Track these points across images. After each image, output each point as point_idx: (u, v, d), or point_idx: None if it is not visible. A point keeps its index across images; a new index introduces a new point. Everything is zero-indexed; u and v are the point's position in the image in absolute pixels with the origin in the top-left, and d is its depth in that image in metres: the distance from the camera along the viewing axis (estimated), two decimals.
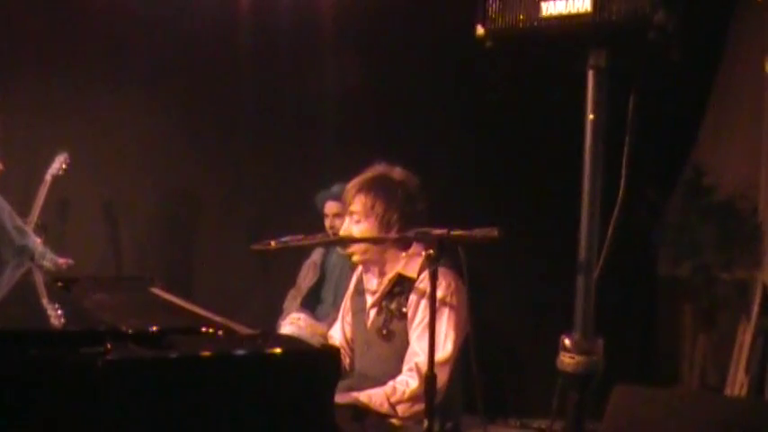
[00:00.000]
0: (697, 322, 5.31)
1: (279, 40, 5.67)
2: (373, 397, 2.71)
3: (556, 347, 1.83)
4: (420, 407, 2.63)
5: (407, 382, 2.71)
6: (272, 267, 5.73)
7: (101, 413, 1.73)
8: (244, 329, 2.18)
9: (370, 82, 5.52)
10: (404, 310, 2.82)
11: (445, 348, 2.71)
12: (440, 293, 2.64)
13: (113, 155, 5.67)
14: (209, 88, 5.70)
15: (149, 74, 5.62)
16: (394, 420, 2.73)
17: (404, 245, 2.90)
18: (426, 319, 2.63)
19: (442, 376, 2.62)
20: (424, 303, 2.75)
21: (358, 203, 2.88)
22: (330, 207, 4.68)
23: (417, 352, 2.73)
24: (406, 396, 2.69)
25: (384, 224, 2.84)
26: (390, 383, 2.73)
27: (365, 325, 2.95)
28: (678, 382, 5.36)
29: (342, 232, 2.99)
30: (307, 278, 4.85)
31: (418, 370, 2.69)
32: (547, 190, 4.94)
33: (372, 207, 2.85)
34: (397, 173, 2.93)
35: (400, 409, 2.70)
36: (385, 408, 2.70)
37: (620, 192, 1.88)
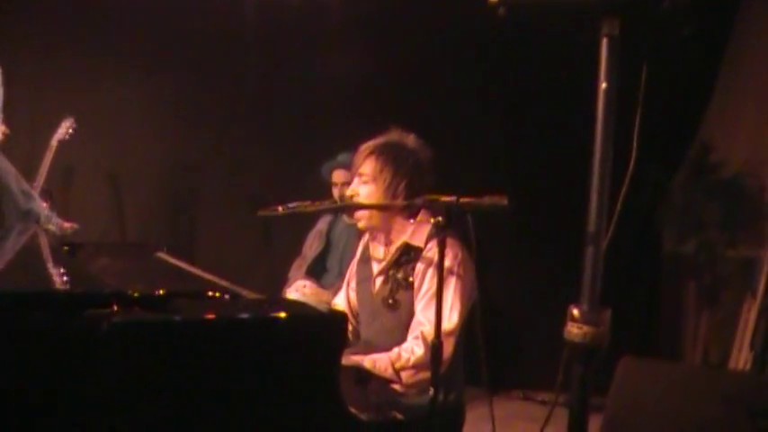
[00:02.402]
0: (701, 299, 5.31)
1: (284, 13, 5.64)
2: (378, 362, 2.71)
3: (560, 320, 1.81)
4: (424, 375, 2.63)
5: (413, 349, 2.71)
6: (277, 236, 5.76)
7: (105, 375, 1.73)
8: (250, 294, 2.18)
9: (375, 52, 5.49)
10: (410, 279, 2.81)
11: (451, 319, 2.70)
12: (446, 263, 2.63)
13: (119, 122, 5.68)
14: (215, 58, 5.70)
15: (155, 44, 5.61)
16: (396, 386, 2.73)
17: (411, 213, 2.89)
18: (432, 289, 2.63)
19: (448, 347, 2.62)
20: (430, 273, 2.74)
21: (368, 165, 2.88)
22: (338, 175, 4.67)
23: (422, 321, 2.73)
24: (410, 363, 2.69)
25: (390, 190, 2.83)
26: (396, 349, 2.72)
27: (371, 294, 2.95)
28: (681, 358, 5.37)
29: (349, 192, 2.98)
30: (312, 247, 4.84)
31: (424, 339, 2.68)
32: (556, 160, 4.92)
33: (381, 171, 2.84)
34: (411, 141, 2.92)
35: (404, 375, 2.70)
36: (389, 373, 2.70)
37: (631, 163, 1.86)
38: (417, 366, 2.69)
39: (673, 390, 2.42)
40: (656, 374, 2.54)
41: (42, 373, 1.72)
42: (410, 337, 2.76)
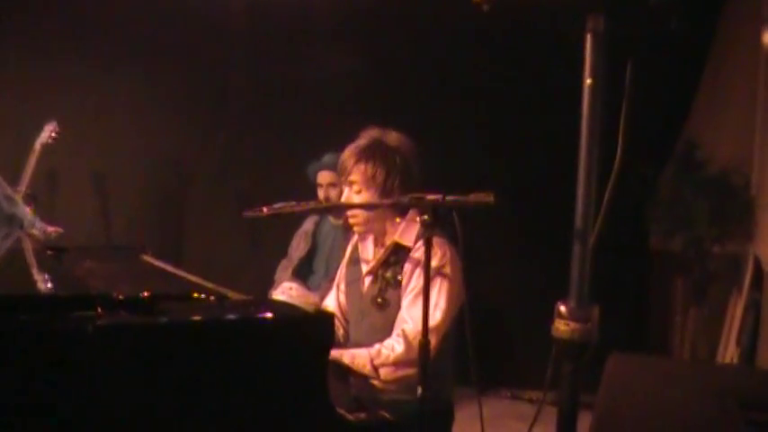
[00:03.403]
0: (688, 295, 5.32)
1: (271, 13, 5.62)
2: (357, 358, 2.70)
3: (548, 319, 1.81)
4: (404, 372, 2.65)
5: (393, 346, 2.70)
6: (263, 238, 5.73)
7: (91, 378, 1.72)
8: (236, 296, 2.17)
9: (362, 52, 5.48)
10: (399, 278, 2.80)
11: (434, 317, 2.67)
12: (434, 263, 2.62)
13: (104, 124, 5.66)
14: (201, 59, 5.68)
15: (141, 44, 5.59)
16: (376, 382, 2.72)
17: (400, 211, 2.87)
18: (418, 287, 2.63)
19: (431, 342, 2.60)
20: (417, 272, 2.73)
21: (357, 173, 2.83)
22: (324, 177, 4.65)
23: (406, 319, 2.73)
24: (390, 360, 2.69)
25: (386, 192, 2.80)
26: (376, 346, 2.72)
27: (360, 294, 2.94)
28: (669, 354, 5.38)
29: (343, 200, 2.96)
30: (298, 248, 4.82)
31: (405, 336, 2.68)
32: (543, 157, 4.92)
33: (373, 176, 2.80)
34: (392, 138, 2.88)
35: (383, 372, 2.69)
36: (367, 369, 2.69)
37: (617, 160, 1.86)
38: (397, 363, 2.68)
39: (663, 384, 2.42)
40: (646, 370, 2.54)
41: (27, 377, 1.70)
42: (393, 334, 2.75)
